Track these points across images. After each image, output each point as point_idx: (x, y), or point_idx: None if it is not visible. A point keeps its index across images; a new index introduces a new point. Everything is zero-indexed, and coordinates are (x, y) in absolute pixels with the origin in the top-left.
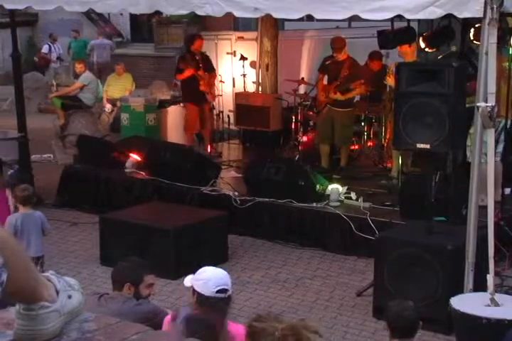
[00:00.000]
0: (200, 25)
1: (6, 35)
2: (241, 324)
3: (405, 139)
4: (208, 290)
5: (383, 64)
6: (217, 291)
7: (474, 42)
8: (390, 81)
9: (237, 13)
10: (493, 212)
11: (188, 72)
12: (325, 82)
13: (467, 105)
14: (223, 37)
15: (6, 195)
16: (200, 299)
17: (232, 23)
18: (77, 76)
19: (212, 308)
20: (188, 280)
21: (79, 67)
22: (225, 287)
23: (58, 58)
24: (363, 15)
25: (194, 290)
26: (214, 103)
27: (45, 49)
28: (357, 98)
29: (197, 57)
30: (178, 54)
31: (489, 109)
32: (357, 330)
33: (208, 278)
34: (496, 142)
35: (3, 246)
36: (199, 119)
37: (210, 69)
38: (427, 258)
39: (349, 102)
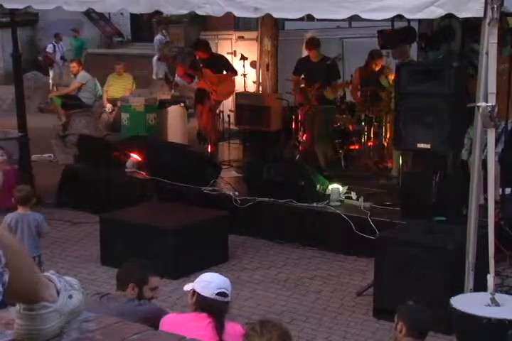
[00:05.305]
0: (200, 25)
1: (6, 34)
2: (239, 323)
3: (406, 139)
4: (208, 291)
5: (383, 64)
6: (218, 294)
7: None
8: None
9: (237, 13)
10: (493, 211)
11: (178, 70)
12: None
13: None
14: (224, 37)
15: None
16: (199, 300)
17: (233, 23)
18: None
19: (211, 309)
20: (189, 285)
21: (71, 66)
22: (226, 291)
23: (62, 58)
24: (363, 15)
25: (194, 292)
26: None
27: (49, 48)
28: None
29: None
30: (178, 54)
31: (489, 109)
32: (357, 330)
33: (211, 281)
34: (496, 141)
35: (5, 246)
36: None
37: (218, 70)
38: (427, 258)
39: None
